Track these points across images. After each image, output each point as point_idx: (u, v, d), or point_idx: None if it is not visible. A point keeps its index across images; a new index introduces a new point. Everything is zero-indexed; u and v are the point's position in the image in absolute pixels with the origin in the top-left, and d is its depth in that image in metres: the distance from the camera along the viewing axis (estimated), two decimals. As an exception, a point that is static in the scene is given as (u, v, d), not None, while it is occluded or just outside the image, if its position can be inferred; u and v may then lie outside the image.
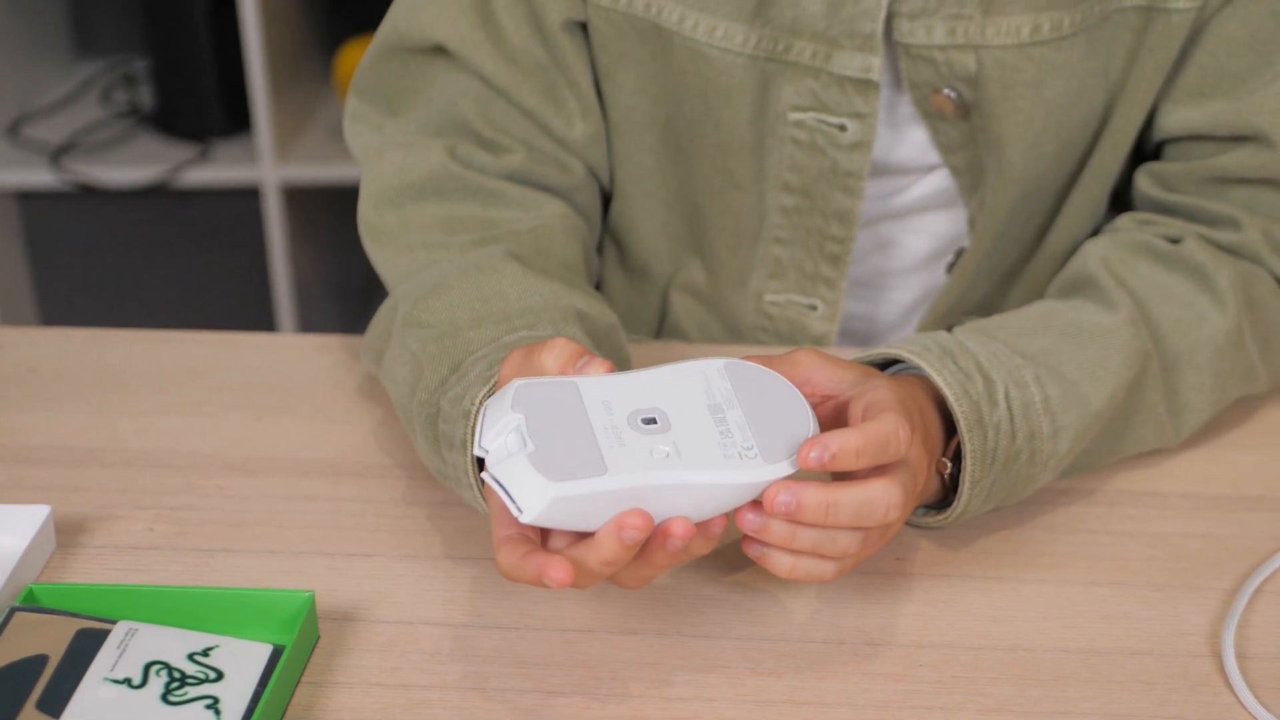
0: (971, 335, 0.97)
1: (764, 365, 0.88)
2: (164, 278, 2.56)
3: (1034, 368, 0.96)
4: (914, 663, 0.88)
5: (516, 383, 0.83)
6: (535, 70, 1.09)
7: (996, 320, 1.00)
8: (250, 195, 2.39)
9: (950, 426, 0.94)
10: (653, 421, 0.82)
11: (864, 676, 0.88)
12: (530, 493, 0.80)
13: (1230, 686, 0.86)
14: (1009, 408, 0.93)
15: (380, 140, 1.12)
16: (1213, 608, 0.92)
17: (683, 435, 0.82)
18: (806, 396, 0.88)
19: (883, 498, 0.83)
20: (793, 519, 0.82)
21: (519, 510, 0.80)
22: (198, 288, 2.56)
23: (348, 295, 2.63)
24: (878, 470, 0.84)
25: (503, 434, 0.82)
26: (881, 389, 0.87)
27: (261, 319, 2.49)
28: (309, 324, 2.45)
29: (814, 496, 0.82)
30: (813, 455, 0.82)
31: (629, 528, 0.80)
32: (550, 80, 1.10)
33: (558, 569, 0.80)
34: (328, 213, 2.50)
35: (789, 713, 0.85)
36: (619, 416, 0.82)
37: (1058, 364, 0.97)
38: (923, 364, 0.93)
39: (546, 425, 0.81)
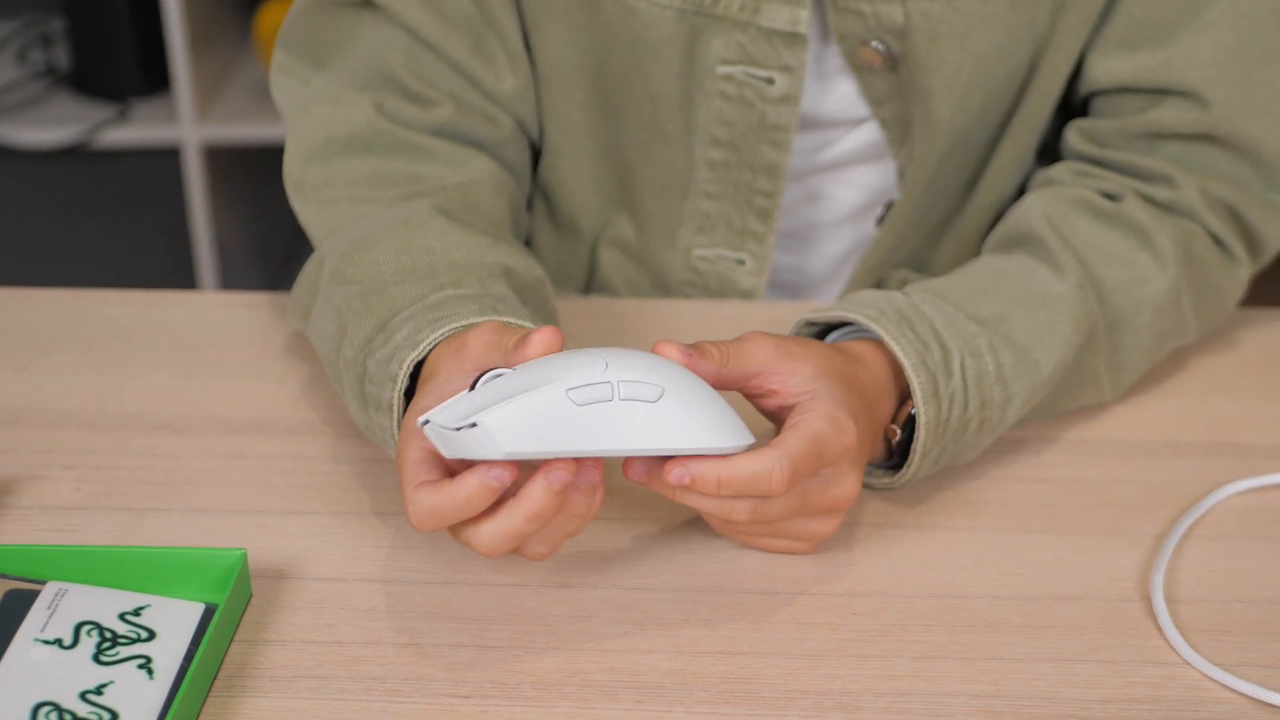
0: (925, 298, 0.97)
1: (720, 351, 0.88)
2: (83, 240, 2.53)
3: (988, 335, 0.96)
4: (848, 611, 0.89)
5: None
6: (463, 23, 1.08)
7: (946, 281, 1.00)
8: (170, 155, 2.36)
9: (900, 392, 0.95)
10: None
11: (798, 626, 0.88)
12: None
13: (1160, 629, 0.87)
14: (964, 378, 0.94)
15: (306, 94, 1.11)
16: (1142, 553, 0.93)
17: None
18: (756, 388, 0.89)
19: (764, 473, 0.83)
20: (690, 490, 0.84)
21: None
22: (117, 250, 2.52)
23: (269, 257, 2.61)
24: (773, 442, 0.85)
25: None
26: (810, 413, 0.87)
27: (182, 281, 2.46)
28: (230, 286, 2.42)
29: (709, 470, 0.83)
30: (674, 473, 0.83)
31: (558, 469, 0.81)
32: (478, 33, 1.09)
33: (499, 468, 0.80)
34: (249, 173, 2.47)
35: (725, 663, 0.85)
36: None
37: (1009, 329, 0.97)
38: (880, 331, 0.93)
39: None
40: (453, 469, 0.84)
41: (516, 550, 0.85)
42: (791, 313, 1.11)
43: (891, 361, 0.95)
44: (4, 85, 2.41)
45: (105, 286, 1.22)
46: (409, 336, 0.92)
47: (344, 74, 1.10)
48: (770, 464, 0.83)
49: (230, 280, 2.42)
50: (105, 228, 2.52)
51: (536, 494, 0.81)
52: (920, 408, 0.92)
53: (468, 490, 0.81)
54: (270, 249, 2.61)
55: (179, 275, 2.46)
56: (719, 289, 1.18)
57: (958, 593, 0.90)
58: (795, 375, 0.88)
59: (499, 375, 0.82)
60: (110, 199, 2.50)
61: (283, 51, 1.12)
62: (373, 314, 0.95)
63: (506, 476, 0.80)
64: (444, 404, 0.82)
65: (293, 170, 1.09)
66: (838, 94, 1.11)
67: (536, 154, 1.18)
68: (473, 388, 0.82)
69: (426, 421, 0.81)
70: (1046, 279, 1.00)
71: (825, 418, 0.86)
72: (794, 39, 1.07)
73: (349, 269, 0.98)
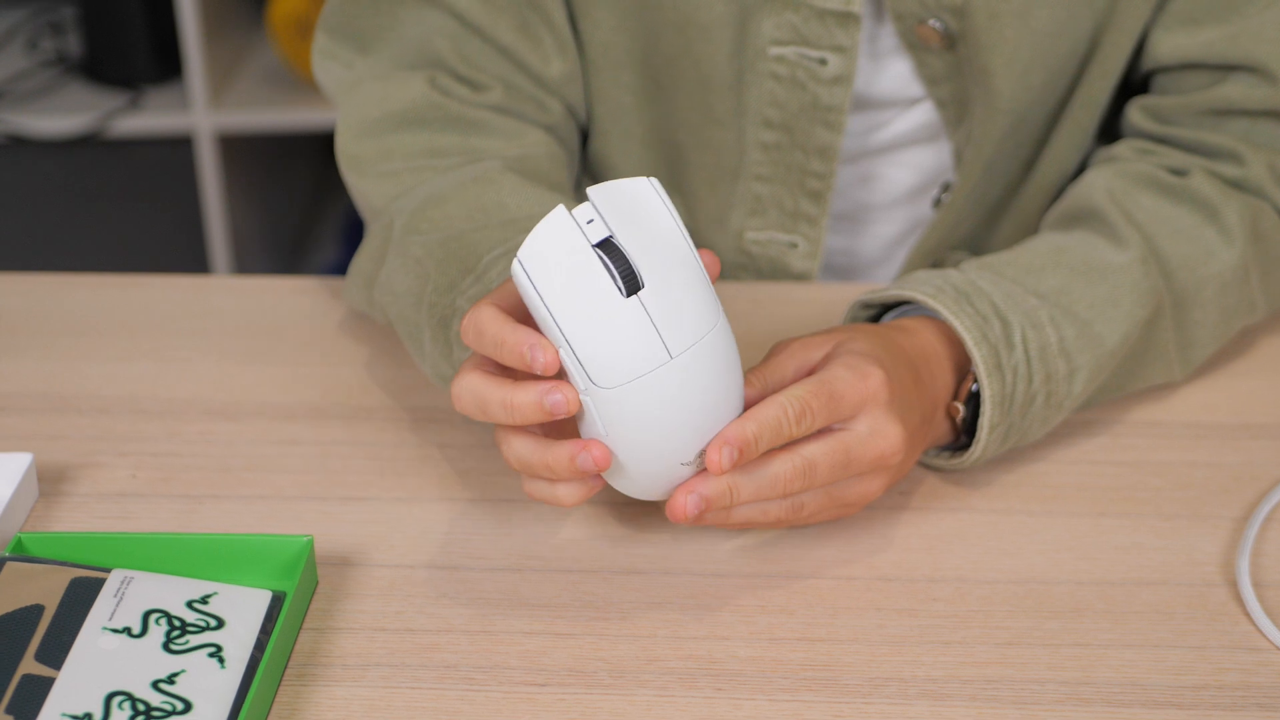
0: (983, 274, 0.96)
1: (759, 380, 0.87)
2: (96, 229, 2.50)
3: (1048, 308, 0.94)
4: (928, 597, 0.87)
5: None
6: (509, 6, 1.06)
7: (1004, 257, 0.99)
8: (183, 143, 2.34)
9: (960, 368, 0.93)
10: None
11: (878, 612, 0.86)
12: None
13: (1248, 615, 0.85)
14: (1026, 350, 0.92)
15: (353, 75, 1.09)
16: (1224, 536, 0.91)
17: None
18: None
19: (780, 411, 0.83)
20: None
21: None
22: (130, 238, 2.50)
23: (282, 245, 2.59)
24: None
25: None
26: (829, 364, 0.86)
27: (196, 270, 2.44)
28: (244, 274, 2.40)
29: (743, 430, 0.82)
30: (719, 456, 0.81)
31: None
32: (525, 17, 1.07)
33: (558, 392, 0.79)
34: (262, 161, 2.45)
35: (804, 650, 0.84)
36: None
37: (1070, 303, 0.95)
38: (939, 307, 0.92)
39: None
40: (524, 320, 0.82)
41: (548, 500, 0.84)
42: (844, 294, 1.09)
43: (949, 338, 0.93)
44: (15, 74, 2.38)
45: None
46: (504, 272, 0.91)
47: (389, 58, 1.08)
48: (779, 406, 0.82)
49: (244, 268, 2.40)
50: (118, 216, 2.50)
51: (526, 400, 0.80)
52: (984, 381, 0.91)
53: (521, 397, 0.80)
54: (283, 237, 2.59)
55: (192, 265, 2.44)
56: (771, 272, 1.16)
57: (1038, 578, 0.88)
58: (830, 355, 0.88)
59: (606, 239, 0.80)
60: (123, 187, 2.48)
61: (324, 35, 1.11)
62: (456, 260, 0.94)
63: (561, 401, 0.79)
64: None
65: (346, 147, 1.07)
66: (892, 74, 1.10)
67: (584, 138, 1.16)
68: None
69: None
70: (1106, 252, 0.99)
71: (841, 364, 0.86)
72: (847, 18, 1.05)
73: (423, 223, 0.98)
